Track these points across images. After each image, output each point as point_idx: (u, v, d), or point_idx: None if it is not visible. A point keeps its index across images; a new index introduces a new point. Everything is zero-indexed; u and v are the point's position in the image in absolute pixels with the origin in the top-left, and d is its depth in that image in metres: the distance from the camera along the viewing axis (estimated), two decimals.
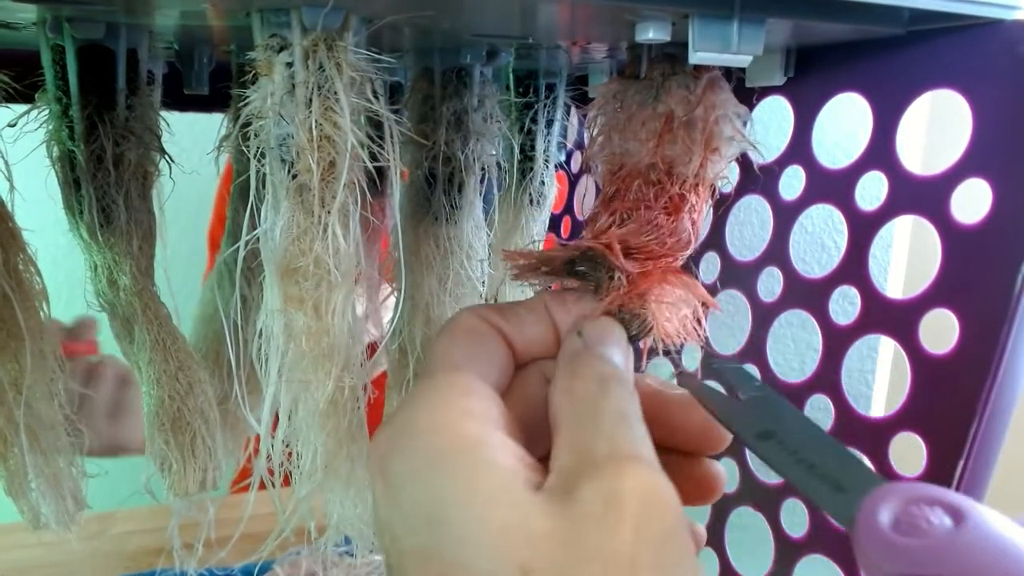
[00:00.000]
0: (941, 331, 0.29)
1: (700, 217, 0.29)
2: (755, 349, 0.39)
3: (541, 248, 0.27)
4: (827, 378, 0.34)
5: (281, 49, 0.27)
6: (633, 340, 0.27)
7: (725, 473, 0.29)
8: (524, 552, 0.18)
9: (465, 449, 0.20)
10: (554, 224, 0.58)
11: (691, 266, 0.40)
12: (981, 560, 0.16)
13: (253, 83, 0.28)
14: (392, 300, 0.44)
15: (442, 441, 0.21)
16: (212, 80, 0.43)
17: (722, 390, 0.26)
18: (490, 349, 0.25)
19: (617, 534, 0.19)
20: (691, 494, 0.29)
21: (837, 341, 0.34)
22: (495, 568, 0.18)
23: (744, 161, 0.34)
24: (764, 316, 0.38)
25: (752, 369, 0.38)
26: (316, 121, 0.27)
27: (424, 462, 0.20)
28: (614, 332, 0.26)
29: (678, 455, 0.28)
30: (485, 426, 0.21)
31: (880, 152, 0.32)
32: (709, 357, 0.30)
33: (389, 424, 0.22)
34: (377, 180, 0.31)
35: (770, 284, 0.38)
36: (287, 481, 0.33)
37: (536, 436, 0.25)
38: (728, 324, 0.41)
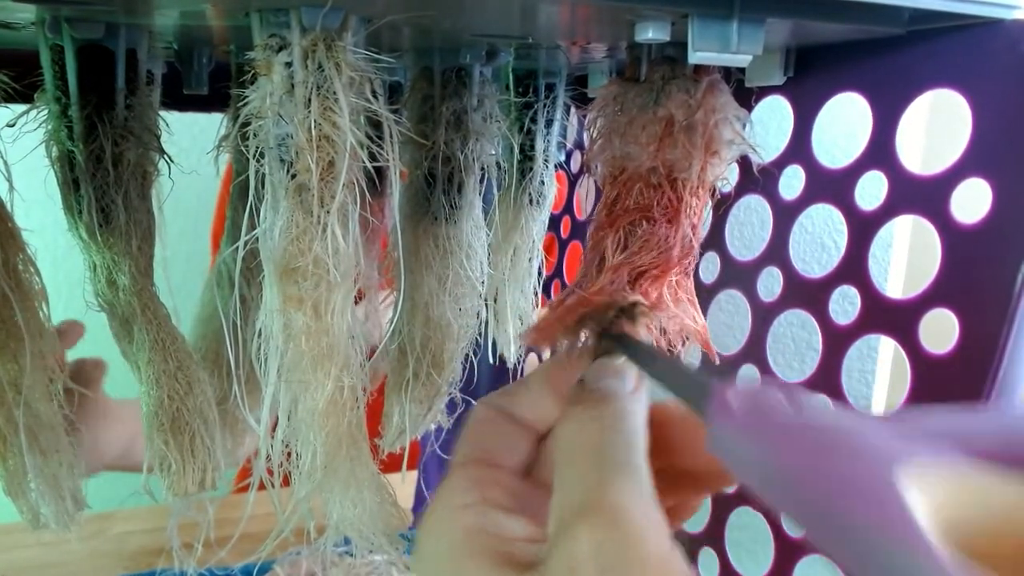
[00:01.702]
0: (941, 331, 0.29)
1: (700, 221, 0.29)
2: (755, 349, 0.39)
3: (559, 312, 0.28)
4: (827, 378, 0.34)
5: (280, 49, 0.27)
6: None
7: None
8: None
9: (460, 548, 0.23)
10: (554, 224, 0.58)
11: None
12: (818, 417, 0.19)
13: (252, 83, 0.28)
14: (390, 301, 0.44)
15: (444, 541, 0.23)
16: (211, 80, 0.43)
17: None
18: (499, 431, 0.27)
19: None
20: (699, 487, 0.30)
21: (837, 341, 0.34)
22: None
23: (744, 161, 0.34)
24: (764, 316, 0.38)
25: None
26: (315, 121, 0.27)
27: (431, 568, 0.23)
28: (614, 364, 0.27)
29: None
30: (477, 517, 0.24)
31: (880, 152, 0.31)
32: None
33: (421, 522, 0.25)
34: (376, 180, 0.31)
35: (770, 284, 0.38)
36: (287, 481, 0.33)
37: None
38: (728, 324, 0.41)
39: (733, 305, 0.39)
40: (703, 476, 0.28)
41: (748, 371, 0.39)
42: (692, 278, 0.30)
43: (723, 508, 0.41)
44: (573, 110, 0.49)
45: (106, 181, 0.35)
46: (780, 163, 0.37)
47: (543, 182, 0.48)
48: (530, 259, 0.50)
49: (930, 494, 0.15)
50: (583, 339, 0.28)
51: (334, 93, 0.27)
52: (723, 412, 0.20)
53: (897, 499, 0.14)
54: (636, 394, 0.26)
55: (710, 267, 0.41)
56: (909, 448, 0.16)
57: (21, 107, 0.35)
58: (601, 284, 0.28)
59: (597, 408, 0.24)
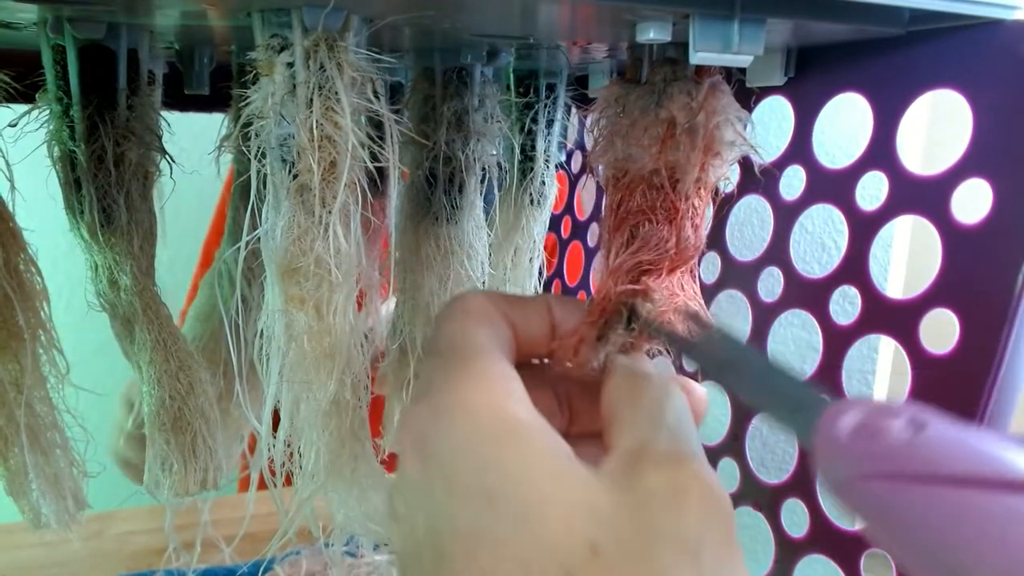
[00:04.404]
0: (942, 331, 0.29)
1: (702, 221, 0.29)
2: (757, 349, 0.39)
3: (579, 329, 0.27)
4: (827, 378, 0.34)
5: (282, 49, 0.27)
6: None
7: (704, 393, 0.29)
8: (592, 529, 0.18)
9: (518, 429, 0.20)
10: (555, 224, 0.58)
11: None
12: (939, 459, 0.16)
13: (254, 83, 0.28)
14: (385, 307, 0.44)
15: (491, 421, 0.20)
16: (213, 80, 0.43)
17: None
18: (503, 335, 0.25)
19: (684, 519, 0.19)
20: None
21: (837, 341, 0.34)
22: (562, 544, 0.18)
23: (745, 161, 0.34)
24: (764, 316, 0.38)
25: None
26: (317, 121, 0.27)
27: (475, 440, 0.20)
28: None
29: None
30: (530, 409, 0.21)
31: (881, 152, 0.32)
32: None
33: (423, 403, 0.21)
34: (378, 180, 0.31)
35: (770, 284, 0.38)
36: (288, 481, 0.33)
37: None
38: (728, 324, 0.41)
39: (733, 305, 0.40)
40: None
41: None
42: (696, 279, 0.30)
43: None
44: (574, 110, 0.50)
45: (108, 181, 0.35)
46: (781, 163, 0.37)
47: (544, 182, 0.48)
48: (531, 259, 0.50)
49: None
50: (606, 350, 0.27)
51: (336, 93, 0.27)
52: (831, 437, 0.18)
53: (1014, 555, 0.14)
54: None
55: (710, 267, 0.41)
56: None
57: (23, 107, 0.35)
58: (606, 289, 0.28)
59: (675, 386, 0.24)
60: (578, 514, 0.19)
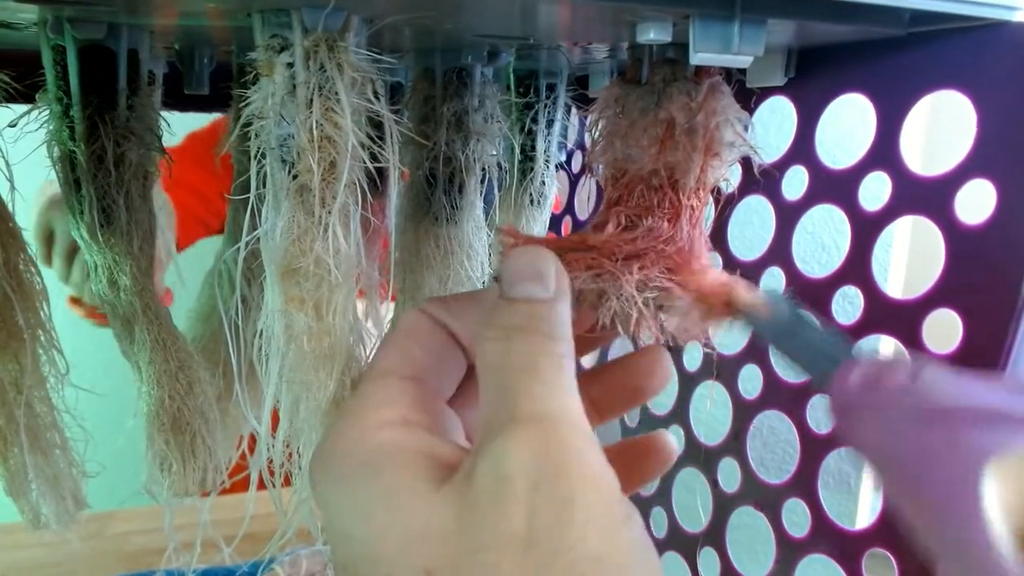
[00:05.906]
0: (944, 332, 0.29)
1: (701, 222, 0.29)
2: (757, 349, 0.39)
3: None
4: None
5: (282, 49, 0.27)
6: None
7: (674, 441, 0.30)
8: (427, 554, 0.18)
9: (372, 464, 0.21)
10: (555, 224, 0.58)
11: None
12: (930, 395, 0.20)
13: (254, 83, 0.28)
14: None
15: (353, 459, 0.21)
16: (213, 80, 0.43)
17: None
18: (431, 344, 0.24)
19: (508, 515, 0.18)
20: (648, 468, 0.29)
21: None
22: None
23: (746, 162, 0.34)
24: None
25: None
26: (317, 122, 0.27)
27: (338, 481, 0.21)
28: (532, 262, 0.23)
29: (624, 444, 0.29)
30: (398, 434, 0.21)
31: (884, 152, 0.31)
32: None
33: (320, 440, 0.23)
34: (378, 180, 0.31)
35: (772, 284, 0.38)
36: (288, 481, 0.33)
37: None
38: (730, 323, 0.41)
39: None
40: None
41: (751, 370, 0.39)
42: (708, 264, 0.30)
43: (724, 508, 0.41)
44: (574, 110, 0.49)
45: (107, 181, 0.35)
46: (783, 163, 0.37)
47: (544, 182, 0.48)
48: None
49: (1016, 483, 0.16)
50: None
51: (336, 94, 0.27)
52: (842, 389, 0.21)
53: (974, 496, 0.16)
54: (558, 298, 0.23)
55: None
56: (1009, 436, 0.17)
57: (23, 107, 0.35)
58: (606, 237, 0.27)
59: (519, 316, 0.22)
60: (413, 542, 0.19)
